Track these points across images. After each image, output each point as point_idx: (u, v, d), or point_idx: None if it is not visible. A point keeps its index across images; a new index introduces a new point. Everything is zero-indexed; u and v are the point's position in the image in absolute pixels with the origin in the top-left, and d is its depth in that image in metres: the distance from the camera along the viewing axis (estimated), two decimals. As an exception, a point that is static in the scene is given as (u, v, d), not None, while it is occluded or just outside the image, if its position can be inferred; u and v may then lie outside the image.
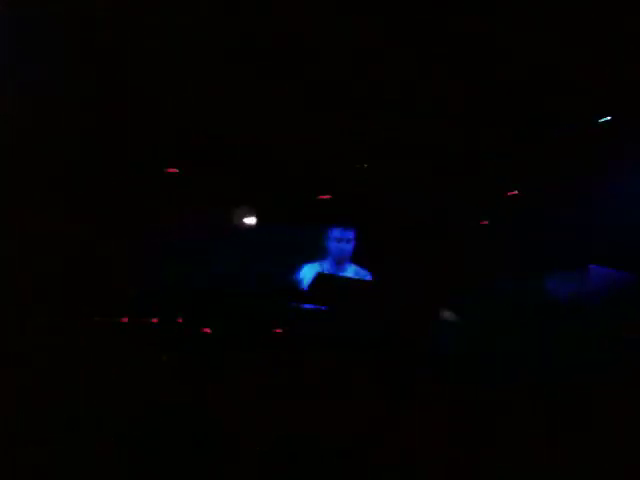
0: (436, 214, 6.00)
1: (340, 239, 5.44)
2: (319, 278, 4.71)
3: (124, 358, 4.54)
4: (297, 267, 5.57)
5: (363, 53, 5.24)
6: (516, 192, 5.71)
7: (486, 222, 5.80)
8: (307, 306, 4.66)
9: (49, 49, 5.12)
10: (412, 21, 5.02)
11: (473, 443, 3.72)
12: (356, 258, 5.51)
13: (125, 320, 4.74)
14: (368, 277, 5.50)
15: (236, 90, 5.50)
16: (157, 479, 3.67)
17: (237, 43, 5.21)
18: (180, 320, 4.42)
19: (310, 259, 5.59)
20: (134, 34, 5.14)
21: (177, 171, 5.64)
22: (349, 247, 5.44)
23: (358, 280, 5.27)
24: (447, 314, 4.70)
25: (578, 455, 3.56)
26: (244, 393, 4.07)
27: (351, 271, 5.51)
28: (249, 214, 6.14)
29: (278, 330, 4.28)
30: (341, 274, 5.44)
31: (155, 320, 4.42)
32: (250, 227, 6.16)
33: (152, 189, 5.85)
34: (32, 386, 4.09)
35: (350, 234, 5.45)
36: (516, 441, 3.67)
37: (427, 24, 5.02)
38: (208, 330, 4.28)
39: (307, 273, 5.51)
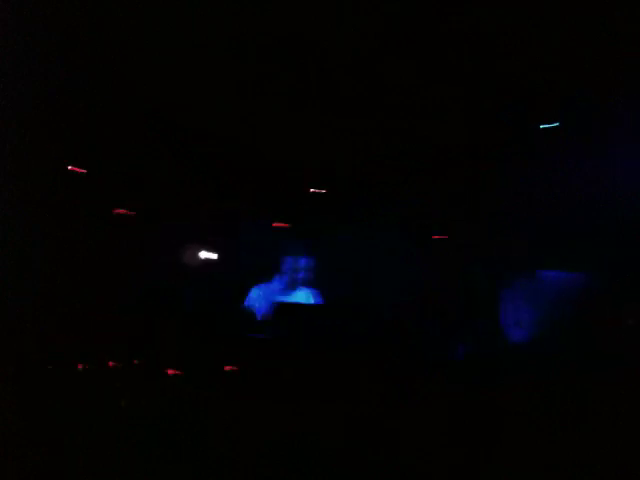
0: (435, 216, 6.00)
1: (295, 269, 5.37)
2: (280, 308, 4.65)
3: (122, 358, 4.54)
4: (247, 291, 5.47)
5: (363, 53, 5.24)
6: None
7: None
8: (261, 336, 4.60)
9: (49, 49, 5.12)
10: (412, 21, 5.03)
11: (473, 443, 3.72)
12: (309, 283, 5.41)
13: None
14: (318, 299, 5.39)
15: (235, 90, 5.50)
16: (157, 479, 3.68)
17: (237, 43, 5.21)
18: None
19: (260, 282, 5.50)
20: (133, 34, 5.15)
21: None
22: (302, 275, 5.37)
23: (317, 307, 5.19)
24: None
25: (578, 455, 3.57)
26: (244, 394, 4.07)
27: (302, 294, 5.40)
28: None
29: (231, 367, 4.24)
30: (291, 298, 5.35)
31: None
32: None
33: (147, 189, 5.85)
34: (32, 386, 4.09)
35: (304, 262, 5.37)
36: (516, 441, 3.67)
37: (427, 24, 5.03)
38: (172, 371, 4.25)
39: (257, 297, 5.41)
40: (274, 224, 5.87)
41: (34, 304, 4.96)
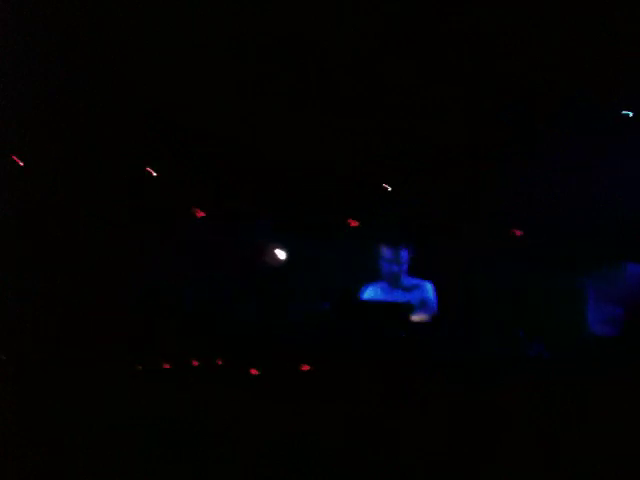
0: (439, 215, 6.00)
1: (391, 259, 5.37)
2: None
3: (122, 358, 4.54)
4: (359, 288, 5.49)
5: (363, 53, 5.24)
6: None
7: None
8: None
9: (49, 49, 5.12)
10: (412, 21, 5.03)
11: (473, 443, 3.72)
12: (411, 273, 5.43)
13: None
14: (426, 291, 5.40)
15: (235, 90, 5.50)
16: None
17: (237, 43, 5.21)
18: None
19: (366, 280, 5.50)
20: (133, 34, 5.15)
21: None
22: (401, 267, 5.37)
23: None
24: None
25: (578, 455, 3.57)
26: (246, 394, 4.07)
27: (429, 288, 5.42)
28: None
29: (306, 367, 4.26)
30: (394, 293, 5.37)
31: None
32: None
33: (152, 190, 5.85)
34: (32, 386, 4.09)
35: (401, 254, 5.38)
36: (516, 441, 3.67)
37: (427, 24, 5.03)
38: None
39: (367, 294, 5.44)
40: (351, 223, 5.87)
41: (34, 304, 4.96)
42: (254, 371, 4.21)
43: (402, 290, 5.41)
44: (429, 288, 5.38)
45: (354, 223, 5.83)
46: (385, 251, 5.42)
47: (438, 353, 4.31)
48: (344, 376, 4.08)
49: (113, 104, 5.51)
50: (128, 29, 5.13)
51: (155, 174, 5.62)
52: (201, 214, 5.76)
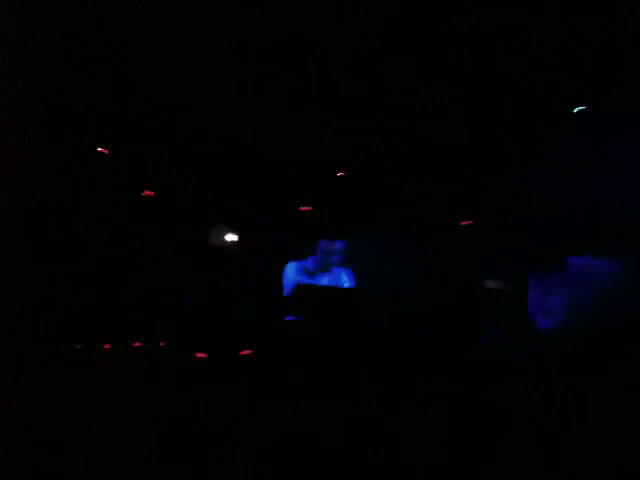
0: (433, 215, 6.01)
1: (326, 252, 5.45)
2: (298, 290, 4.80)
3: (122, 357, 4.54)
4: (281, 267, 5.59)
5: (363, 53, 5.25)
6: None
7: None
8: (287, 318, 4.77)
9: (49, 49, 5.13)
10: (412, 21, 5.03)
11: (473, 443, 3.72)
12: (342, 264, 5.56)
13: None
14: (349, 280, 5.53)
15: (235, 90, 5.50)
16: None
17: (237, 43, 5.22)
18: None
19: (294, 259, 5.62)
20: (133, 34, 5.15)
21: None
22: (335, 259, 5.46)
23: (336, 288, 5.33)
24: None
25: (578, 455, 3.57)
26: (246, 394, 4.07)
27: (342, 274, 5.54)
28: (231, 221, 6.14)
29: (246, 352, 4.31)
30: (322, 278, 5.48)
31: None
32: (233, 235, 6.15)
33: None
34: (32, 386, 4.09)
35: (337, 246, 5.45)
36: (516, 441, 3.67)
37: (427, 24, 5.03)
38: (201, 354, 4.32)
39: (290, 272, 5.54)
40: (301, 208, 5.95)
41: (34, 304, 4.96)
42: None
43: (327, 275, 5.54)
44: (346, 275, 5.52)
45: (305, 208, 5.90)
46: (322, 243, 5.50)
47: (438, 353, 4.32)
48: (344, 376, 4.08)
49: (113, 104, 5.51)
50: (128, 29, 5.13)
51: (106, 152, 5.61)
52: (149, 193, 5.76)
